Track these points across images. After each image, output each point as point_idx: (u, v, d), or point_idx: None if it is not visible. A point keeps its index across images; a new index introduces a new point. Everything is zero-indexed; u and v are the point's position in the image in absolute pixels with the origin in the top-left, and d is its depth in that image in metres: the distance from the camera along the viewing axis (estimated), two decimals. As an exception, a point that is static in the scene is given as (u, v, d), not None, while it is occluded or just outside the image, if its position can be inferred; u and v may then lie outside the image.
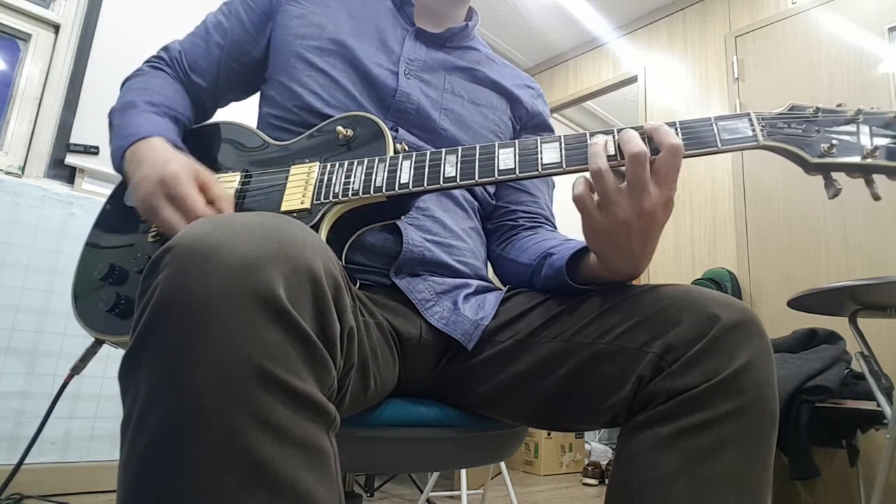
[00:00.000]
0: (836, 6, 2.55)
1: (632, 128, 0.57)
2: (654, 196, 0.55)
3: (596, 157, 0.56)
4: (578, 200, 0.57)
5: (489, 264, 0.87)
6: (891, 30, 2.39)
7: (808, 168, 0.56)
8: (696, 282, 2.63)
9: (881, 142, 0.54)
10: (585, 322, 0.62)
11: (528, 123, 0.91)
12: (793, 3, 2.72)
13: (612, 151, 0.57)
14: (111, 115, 0.76)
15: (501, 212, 0.87)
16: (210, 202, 0.62)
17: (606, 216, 0.56)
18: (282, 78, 0.80)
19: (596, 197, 0.57)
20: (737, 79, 2.83)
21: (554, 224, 0.89)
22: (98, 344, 0.73)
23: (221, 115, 0.86)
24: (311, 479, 0.37)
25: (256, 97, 0.89)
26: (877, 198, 0.55)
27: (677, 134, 0.57)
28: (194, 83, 0.84)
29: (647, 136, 0.56)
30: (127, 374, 0.38)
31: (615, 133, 0.58)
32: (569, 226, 0.84)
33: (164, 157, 0.65)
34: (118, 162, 0.71)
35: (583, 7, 3.33)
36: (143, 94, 0.76)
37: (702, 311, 0.55)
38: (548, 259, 0.71)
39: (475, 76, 0.87)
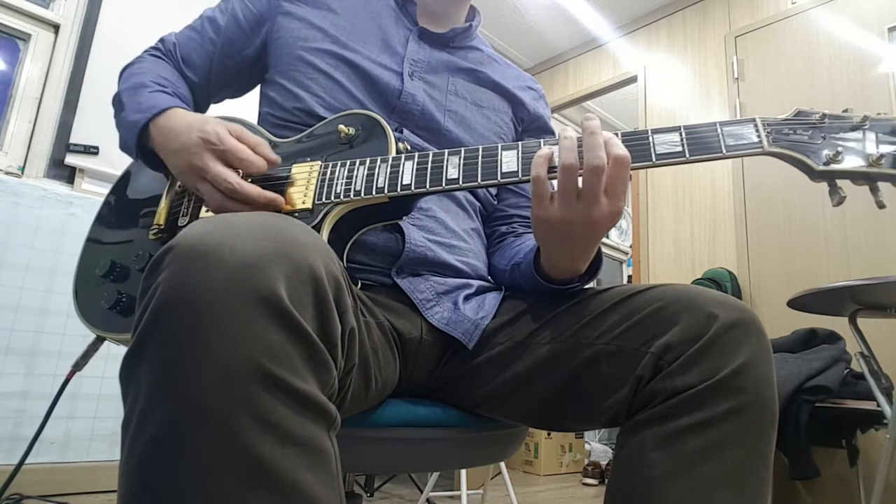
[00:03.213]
0: (835, 6, 2.55)
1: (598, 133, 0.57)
2: (604, 207, 0.56)
3: (570, 150, 0.56)
4: (537, 182, 0.57)
5: None
6: (891, 30, 2.39)
7: (814, 175, 0.56)
8: (696, 282, 2.63)
9: (887, 149, 0.54)
10: (584, 322, 0.62)
11: (530, 126, 0.91)
12: (793, 3, 2.72)
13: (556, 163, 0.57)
14: (119, 95, 0.76)
15: (499, 216, 0.88)
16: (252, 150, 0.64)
17: (559, 209, 0.57)
18: (283, 80, 0.79)
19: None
20: (737, 79, 2.83)
21: None
22: (99, 341, 0.73)
23: (220, 111, 0.86)
24: (311, 480, 0.37)
25: (254, 95, 0.89)
26: (881, 206, 0.54)
27: (682, 139, 0.57)
28: (187, 77, 0.84)
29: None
30: (128, 373, 0.39)
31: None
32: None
33: (195, 120, 0.66)
34: (134, 137, 0.70)
35: (583, 7, 3.33)
36: (150, 76, 0.77)
37: (700, 311, 0.55)
38: (518, 268, 0.73)
39: (478, 77, 0.86)
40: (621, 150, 0.55)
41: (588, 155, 0.55)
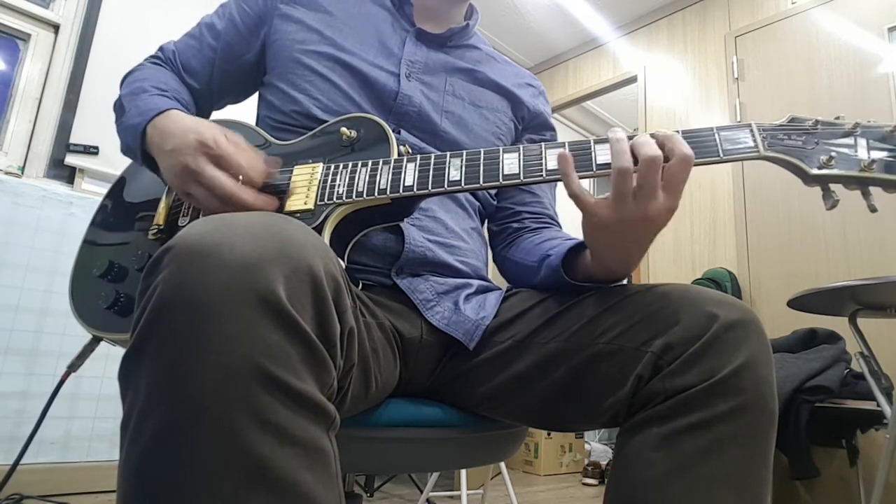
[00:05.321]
0: (835, 6, 2.55)
1: (648, 134, 0.57)
2: (661, 202, 0.55)
3: (623, 154, 0.55)
4: (576, 198, 0.57)
5: (494, 266, 0.87)
6: (891, 30, 2.39)
7: (807, 179, 0.57)
8: (696, 282, 2.63)
9: (878, 155, 0.56)
10: (584, 322, 0.62)
11: (530, 124, 0.91)
12: (793, 3, 2.72)
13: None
14: (120, 101, 0.76)
15: (507, 213, 0.87)
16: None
17: (613, 212, 0.56)
18: (281, 83, 0.79)
19: (596, 195, 0.57)
20: (737, 79, 2.83)
21: (558, 223, 0.89)
22: (96, 341, 0.73)
23: (220, 114, 0.86)
24: (311, 479, 0.37)
25: (254, 99, 0.89)
26: (873, 210, 0.56)
27: None
28: (188, 84, 0.83)
29: (660, 143, 0.55)
30: (127, 373, 0.39)
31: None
32: (571, 224, 0.84)
33: (192, 123, 0.65)
34: (137, 140, 0.70)
35: (583, 7, 3.33)
36: (150, 82, 0.76)
37: (700, 310, 0.55)
38: (546, 260, 0.71)
39: (476, 77, 0.86)
40: (687, 147, 0.54)
41: (643, 150, 0.54)
